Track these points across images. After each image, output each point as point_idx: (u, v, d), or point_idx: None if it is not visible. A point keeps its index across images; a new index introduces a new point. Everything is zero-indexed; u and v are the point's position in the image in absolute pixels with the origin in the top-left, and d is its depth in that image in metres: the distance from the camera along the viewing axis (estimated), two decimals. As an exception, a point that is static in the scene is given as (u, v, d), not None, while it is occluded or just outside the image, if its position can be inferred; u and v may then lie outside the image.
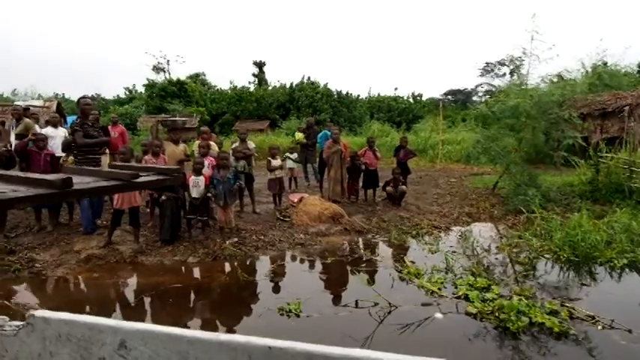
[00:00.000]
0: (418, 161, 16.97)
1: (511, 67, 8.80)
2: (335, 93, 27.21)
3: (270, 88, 29.93)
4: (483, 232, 6.69)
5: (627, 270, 4.98)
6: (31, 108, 10.53)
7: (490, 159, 9.20)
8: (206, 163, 5.93)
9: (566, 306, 3.78)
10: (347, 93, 28.08)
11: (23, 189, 1.41)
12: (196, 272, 4.93)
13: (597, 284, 4.66)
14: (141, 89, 30.80)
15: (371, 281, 4.48)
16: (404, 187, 8.10)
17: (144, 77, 40.70)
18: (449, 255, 5.21)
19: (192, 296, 4.33)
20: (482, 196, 9.11)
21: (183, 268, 4.97)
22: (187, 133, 13.37)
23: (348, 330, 3.43)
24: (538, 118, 8.14)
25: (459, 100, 40.08)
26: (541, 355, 3.04)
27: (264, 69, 33.75)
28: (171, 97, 25.33)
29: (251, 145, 7.22)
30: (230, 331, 3.57)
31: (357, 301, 3.89)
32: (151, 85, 27.36)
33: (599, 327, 3.43)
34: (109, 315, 3.80)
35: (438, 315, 3.63)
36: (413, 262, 5.05)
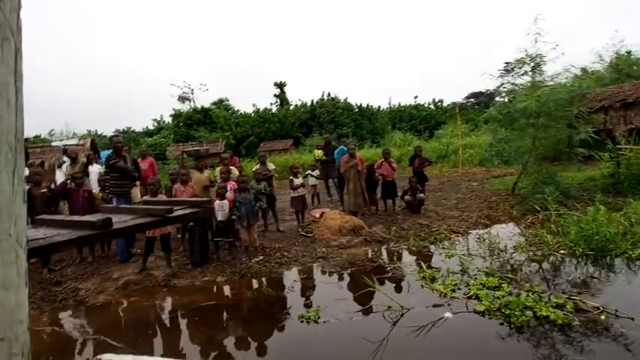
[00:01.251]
0: (441, 167, 17.05)
1: (532, 64, 8.87)
2: (355, 106, 27.73)
3: (291, 107, 30.81)
4: (501, 233, 6.81)
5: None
6: (69, 148, 11.55)
7: (503, 161, 9.27)
8: (228, 187, 6.43)
9: (573, 299, 3.93)
10: (367, 105, 28.56)
11: (66, 232, 1.57)
12: (225, 290, 5.36)
13: (608, 276, 4.75)
14: (168, 119, 32.45)
15: (387, 287, 4.76)
16: (422, 194, 8.33)
17: (170, 108, 42.86)
18: (464, 258, 5.41)
19: (223, 312, 4.75)
20: (502, 198, 9.18)
21: (213, 287, 5.42)
22: (214, 158, 14.12)
23: (363, 333, 3.73)
24: (548, 117, 8.22)
25: (481, 103, 39.67)
26: (543, 346, 3.24)
27: (285, 89, 34.73)
28: (197, 124, 26.57)
29: (271, 166, 7.72)
30: (258, 337, 3.96)
31: (371, 306, 4.20)
32: (177, 115, 28.81)
33: (603, 317, 3.58)
34: (147, 334, 4.28)
35: (448, 314, 3.88)
36: (430, 267, 5.29)
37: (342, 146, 9.21)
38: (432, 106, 32.19)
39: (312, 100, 28.85)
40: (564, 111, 8.21)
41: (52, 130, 32.89)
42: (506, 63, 9.15)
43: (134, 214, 1.90)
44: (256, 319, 4.48)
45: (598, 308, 3.72)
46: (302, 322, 4.03)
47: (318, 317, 4.04)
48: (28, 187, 6.30)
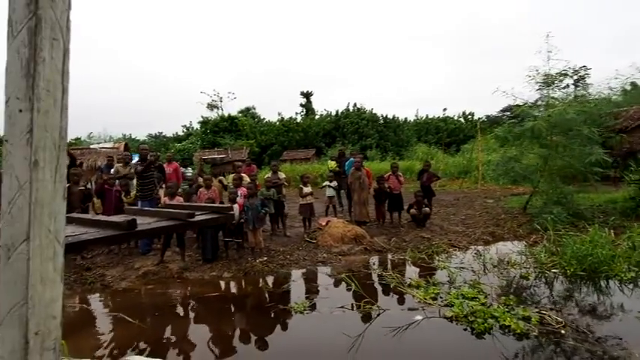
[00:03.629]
0: (461, 183, 17.35)
1: (574, 77, 9.26)
2: (381, 117, 28.30)
3: (316, 117, 31.73)
4: (501, 250, 7.23)
5: (631, 283, 5.36)
6: (102, 149, 12.75)
7: (511, 180, 9.62)
8: (239, 192, 7.21)
9: (542, 313, 4.39)
10: (393, 117, 29.06)
11: (94, 231, 1.76)
12: (230, 284, 6.08)
13: (589, 295, 5.13)
14: (197, 126, 34.08)
15: (372, 291, 5.34)
16: (427, 209, 8.83)
17: (200, 115, 44.78)
18: (452, 270, 5.92)
19: (226, 302, 5.47)
20: (512, 216, 9.53)
21: (219, 281, 6.15)
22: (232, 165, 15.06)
23: (342, 327, 4.33)
24: (562, 136, 8.57)
25: (518, 117, 39.25)
26: (494, 351, 3.74)
27: (312, 98, 35.79)
28: (223, 131, 27.90)
29: (281, 175, 8.46)
30: (252, 324, 4.64)
31: (352, 304, 4.81)
32: (205, 122, 30.32)
33: (564, 331, 4.01)
34: (159, 316, 5.04)
35: (419, 317, 4.42)
36: (421, 277, 5.82)
37: (351, 158, 9.84)
38: (461, 119, 32.30)
39: (337, 111, 29.70)
40: (578, 131, 8.53)
41: (90, 134, 35.29)
42: (545, 75, 9.49)
43: (158, 217, 2.18)
44: (253, 309, 5.15)
45: (561, 322, 4.17)
46: (290, 312, 4.69)
47: (304, 309, 4.69)
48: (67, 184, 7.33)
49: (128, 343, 4.18)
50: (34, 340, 0.65)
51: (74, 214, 2.39)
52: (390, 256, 7.14)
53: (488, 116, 32.39)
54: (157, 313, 5.06)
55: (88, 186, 7.72)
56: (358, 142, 25.72)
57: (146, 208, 5.54)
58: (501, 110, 40.60)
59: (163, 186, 8.10)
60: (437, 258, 6.86)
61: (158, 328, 4.65)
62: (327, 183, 10.28)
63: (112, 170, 8.80)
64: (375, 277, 6.01)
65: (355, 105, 29.78)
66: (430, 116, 32.55)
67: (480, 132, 17.97)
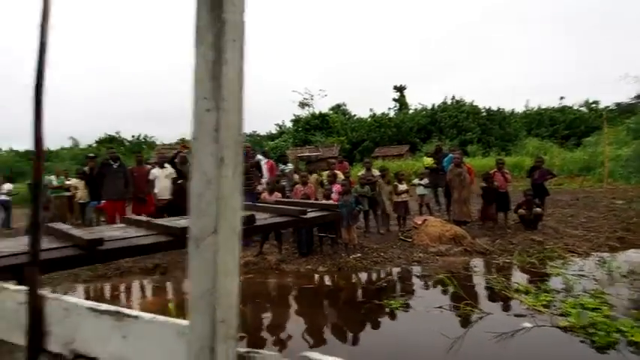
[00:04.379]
0: (582, 181, 15.63)
1: None
2: (483, 110, 26.70)
3: (410, 111, 31.07)
4: (632, 258, 6.42)
5: None
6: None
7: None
8: (333, 189, 7.43)
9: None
10: (498, 109, 27.21)
11: None
12: (324, 278, 6.33)
13: None
14: (289, 124, 35.64)
15: (474, 293, 5.13)
16: (539, 209, 8.16)
17: (292, 113, 46.71)
18: (569, 277, 5.43)
19: (319, 294, 5.72)
20: (648, 220, 8.35)
21: (314, 274, 6.43)
22: (325, 162, 15.50)
23: (439, 327, 4.26)
24: None
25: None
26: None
27: (405, 92, 35.11)
28: (314, 129, 28.76)
29: (375, 172, 8.51)
30: (343, 318, 4.80)
31: (450, 305, 4.68)
32: (297, 120, 31.56)
33: None
34: (257, 303, 5.45)
35: (526, 324, 4.15)
36: (530, 283, 5.45)
37: (450, 154, 9.50)
38: (582, 109, 29.00)
39: (434, 104, 28.71)
40: None
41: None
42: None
43: (271, 213, 2.40)
44: (347, 303, 5.31)
45: None
46: (386, 309, 4.74)
47: (399, 306, 4.70)
48: (179, 181, 8.25)
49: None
50: (220, 327, 0.70)
51: None
52: (494, 259, 6.77)
53: (618, 104, 28.57)
54: (257, 300, 5.49)
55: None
56: (457, 137, 24.54)
57: (259, 204, 6.06)
58: (635, 97, 35.69)
59: (262, 182, 8.69)
60: (550, 263, 6.32)
61: (257, 313, 5.05)
62: (417, 181, 10.08)
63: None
64: (476, 280, 5.76)
65: (454, 97, 28.51)
66: (543, 106, 29.77)
67: (607, 123, 15.84)
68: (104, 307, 1.08)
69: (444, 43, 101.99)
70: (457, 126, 25.91)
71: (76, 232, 2.19)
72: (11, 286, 1.33)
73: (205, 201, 0.69)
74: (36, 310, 1.14)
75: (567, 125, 26.45)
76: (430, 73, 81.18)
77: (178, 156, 8.92)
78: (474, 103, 26.87)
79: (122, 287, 6.34)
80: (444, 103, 28.23)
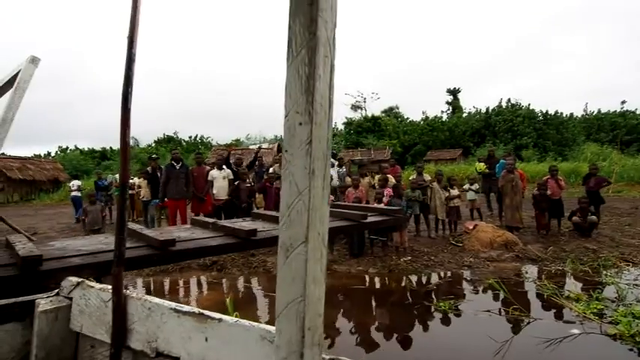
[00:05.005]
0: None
1: None
2: (540, 114, 25.71)
3: (464, 115, 30.49)
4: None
5: None
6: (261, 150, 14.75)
7: None
8: (385, 193, 7.75)
9: None
10: (555, 112, 26.07)
11: (271, 227, 2.14)
12: (375, 280, 6.67)
13: None
14: (341, 127, 36.08)
15: (524, 299, 5.27)
16: (594, 217, 8.01)
17: (344, 116, 47.08)
18: (622, 286, 5.41)
19: (370, 295, 6.06)
20: None
21: (365, 275, 6.78)
22: (376, 165, 15.73)
23: (486, 330, 4.48)
24: None
25: None
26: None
27: (459, 96, 34.46)
28: (366, 132, 29.02)
29: (427, 177, 8.72)
30: (393, 319, 5.12)
31: (499, 309, 4.87)
32: (349, 123, 31.97)
33: None
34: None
35: (575, 331, 4.28)
36: (582, 291, 5.48)
37: (502, 160, 9.49)
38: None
39: (488, 108, 28.00)
40: None
41: (248, 135, 40.41)
42: None
43: (331, 217, 2.35)
44: (396, 304, 5.63)
45: None
46: (435, 311, 5.02)
47: (449, 308, 4.96)
48: (236, 182, 8.92)
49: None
50: (307, 334, 0.72)
51: (260, 212, 2.93)
52: (545, 266, 6.79)
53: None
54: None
55: (252, 183, 9.13)
56: (512, 142, 23.81)
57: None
58: None
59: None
60: (604, 272, 6.27)
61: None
62: (467, 186, 10.12)
63: (271, 170, 10.30)
64: (526, 286, 5.87)
65: (509, 100, 27.69)
66: (603, 110, 28.12)
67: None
68: (186, 308, 1.12)
69: (501, 45, 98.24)
70: (512, 130, 25.13)
71: (149, 232, 2.37)
72: (96, 284, 1.40)
73: (296, 211, 0.70)
74: (120, 308, 1.20)
75: (629, 130, 24.82)
76: (485, 76, 78.66)
77: (233, 158, 9.54)
78: (531, 107, 25.94)
79: (181, 282, 6.94)
80: (499, 106, 27.48)
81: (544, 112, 25.47)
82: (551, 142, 23.62)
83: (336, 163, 9.73)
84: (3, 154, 23.64)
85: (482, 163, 11.05)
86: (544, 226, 8.45)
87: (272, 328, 0.86)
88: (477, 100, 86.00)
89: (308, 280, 0.71)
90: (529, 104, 26.19)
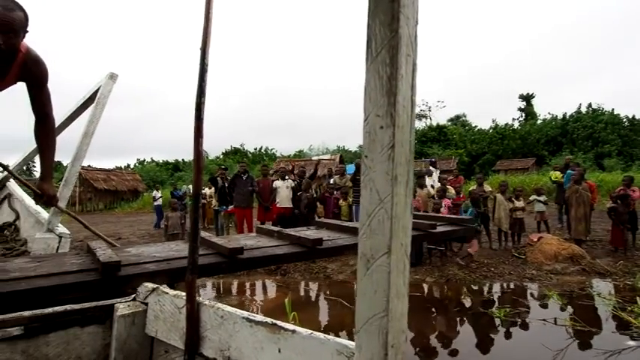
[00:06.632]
0: None
1: None
2: (625, 119, 23.87)
3: (538, 121, 29.11)
4: None
5: None
6: (321, 161, 15.38)
7: None
8: (443, 204, 7.98)
9: None
10: (643, 117, 24.05)
11: (346, 236, 2.28)
12: (432, 288, 6.93)
13: None
14: (404, 137, 35.85)
15: (583, 312, 5.29)
16: (675, 231, 7.58)
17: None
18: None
19: (428, 303, 6.35)
20: None
21: (422, 284, 7.07)
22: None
23: (541, 339, 4.62)
24: None
25: None
26: None
27: (532, 101, 32.95)
28: (430, 141, 28.73)
29: (487, 188, 8.79)
30: (449, 326, 5.39)
31: (555, 319, 4.97)
32: (413, 133, 31.79)
33: None
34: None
35: (631, 343, 4.30)
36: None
37: (569, 171, 9.25)
38: None
39: (565, 114, 26.49)
40: None
41: (310, 146, 41.53)
42: None
43: None
44: (453, 311, 5.88)
45: None
46: (490, 319, 5.23)
47: (502, 316, 5.15)
48: (299, 193, 9.59)
49: (342, 321, 5.53)
50: (391, 352, 0.66)
51: (323, 220, 3.28)
52: (614, 280, 6.62)
53: None
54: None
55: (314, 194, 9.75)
56: (592, 150, 22.33)
57: None
58: None
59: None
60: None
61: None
62: (534, 197, 9.89)
63: (331, 180, 10.87)
64: (588, 300, 5.82)
65: (589, 106, 25.98)
66: None
67: None
68: (259, 317, 1.08)
69: (580, 45, 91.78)
70: (592, 137, 23.53)
71: (218, 240, 2.31)
72: (170, 290, 1.41)
73: (377, 220, 0.66)
74: (194, 316, 1.21)
75: None
76: (562, 80, 73.81)
77: (297, 169, 10.24)
78: (615, 112, 24.13)
79: (247, 284, 7.62)
80: (578, 112, 25.91)
81: (630, 117, 23.63)
82: (638, 150, 21.82)
83: (437, 171, 9.88)
84: (89, 166, 26.61)
85: (559, 172, 10.70)
86: (621, 242, 8.00)
87: (349, 343, 0.84)
88: (553, 106, 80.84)
89: (391, 293, 0.66)
90: (612, 109, 24.42)
